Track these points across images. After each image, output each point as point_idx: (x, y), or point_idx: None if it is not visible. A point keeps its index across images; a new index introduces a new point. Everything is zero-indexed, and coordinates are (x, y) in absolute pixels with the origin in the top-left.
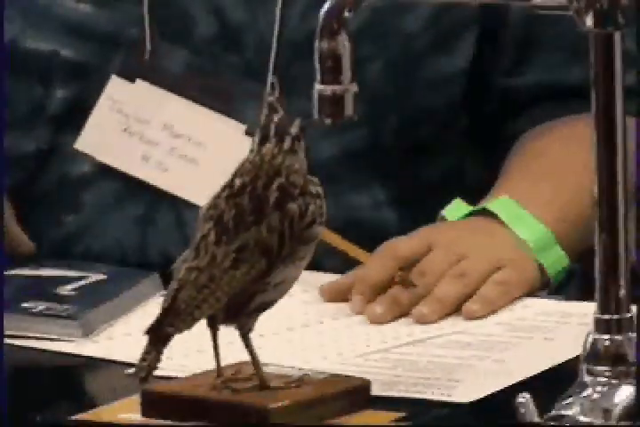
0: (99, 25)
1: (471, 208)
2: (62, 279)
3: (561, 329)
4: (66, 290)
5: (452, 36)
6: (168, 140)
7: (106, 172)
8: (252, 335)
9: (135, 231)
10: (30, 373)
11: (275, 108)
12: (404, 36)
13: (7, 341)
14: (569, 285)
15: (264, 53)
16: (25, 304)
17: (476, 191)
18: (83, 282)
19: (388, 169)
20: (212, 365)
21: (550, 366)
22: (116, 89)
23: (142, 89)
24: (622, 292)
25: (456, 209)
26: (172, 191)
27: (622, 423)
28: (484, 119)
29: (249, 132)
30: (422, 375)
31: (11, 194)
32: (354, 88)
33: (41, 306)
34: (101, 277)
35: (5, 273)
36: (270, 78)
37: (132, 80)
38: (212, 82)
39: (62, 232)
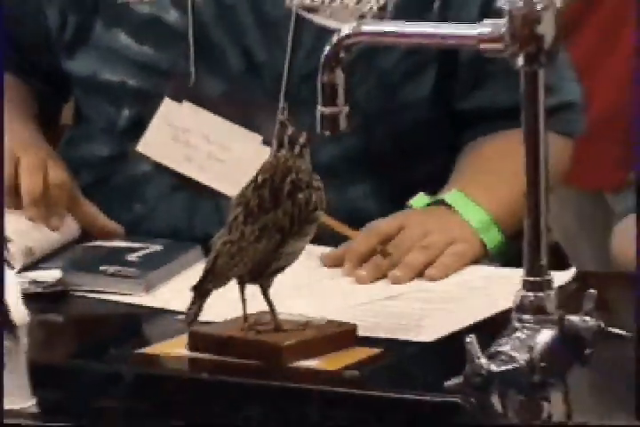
0: (156, 61)
1: (431, 199)
2: (130, 249)
3: (498, 288)
4: (132, 257)
5: (417, 71)
6: (206, 147)
7: (161, 170)
8: (270, 291)
9: (184, 215)
10: (105, 319)
11: (286, 124)
12: (381, 70)
13: (89, 295)
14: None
15: (279, 83)
16: (102, 267)
17: (438, 185)
18: (145, 251)
19: (374, 169)
20: (240, 313)
21: (490, 315)
22: (168, 108)
23: (187, 108)
24: (543, 260)
25: (420, 200)
26: (211, 185)
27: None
28: (448, 132)
29: (265, 142)
30: (396, 322)
31: (89, 189)
32: (346, 109)
33: (113, 269)
34: (159, 248)
35: (88, 244)
36: (282, 102)
37: (179, 101)
38: (239, 104)
39: (130, 217)
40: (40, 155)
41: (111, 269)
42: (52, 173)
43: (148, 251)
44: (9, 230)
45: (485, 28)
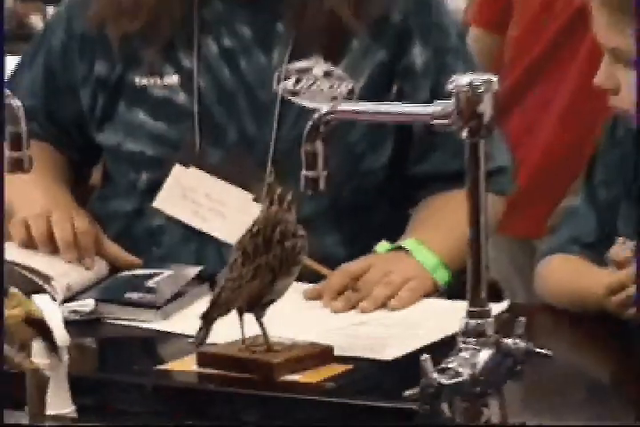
0: (168, 134)
1: (392, 246)
2: (147, 276)
3: (446, 317)
4: (151, 283)
5: (378, 143)
6: (208, 204)
7: (173, 222)
8: (263, 319)
9: (193, 258)
10: (130, 341)
11: (273, 185)
12: (349, 142)
13: (116, 322)
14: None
15: (267, 152)
16: (127, 295)
17: (395, 233)
18: (160, 277)
19: (344, 222)
20: (239, 336)
21: (440, 338)
22: (178, 173)
23: (193, 172)
24: (483, 294)
25: (383, 246)
26: (213, 234)
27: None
28: (403, 190)
29: (255, 199)
30: (364, 343)
31: (116, 237)
32: (325, 173)
33: (137, 296)
34: (170, 272)
35: (115, 275)
36: (269, 168)
37: (187, 167)
38: (234, 169)
39: (150, 259)
40: (68, 210)
41: (134, 296)
42: (79, 223)
43: (162, 276)
44: (52, 272)
45: (437, 107)
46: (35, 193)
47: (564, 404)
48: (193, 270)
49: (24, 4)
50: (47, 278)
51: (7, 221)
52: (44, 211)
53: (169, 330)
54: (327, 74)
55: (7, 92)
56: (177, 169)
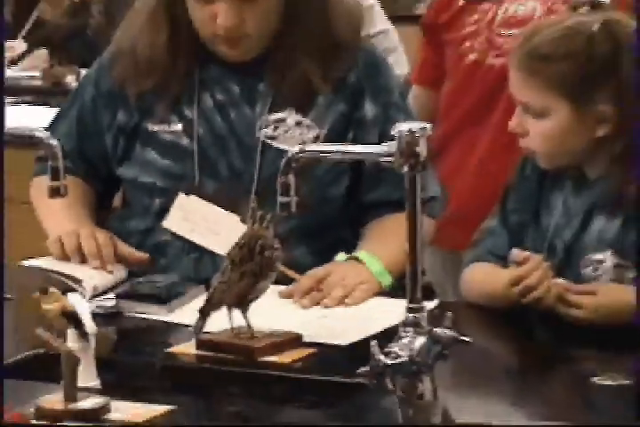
0: (174, 170)
1: (348, 256)
2: (157, 281)
3: (390, 311)
4: (160, 285)
5: (338, 177)
6: (205, 224)
7: (177, 238)
8: (248, 313)
9: (192, 266)
10: (143, 330)
11: (256, 210)
12: (316, 177)
13: (133, 315)
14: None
15: (251, 183)
16: (140, 294)
17: (350, 246)
18: (167, 281)
19: (310, 238)
20: (228, 326)
21: (385, 328)
22: (181, 200)
23: (194, 200)
24: (419, 294)
25: (341, 256)
26: (208, 247)
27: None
28: (357, 213)
29: (242, 221)
30: (326, 331)
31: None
32: (296, 199)
33: (148, 295)
34: (176, 277)
35: (133, 280)
36: (253, 195)
37: (188, 195)
38: (225, 197)
39: (158, 267)
40: (92, 228)
41: (147, 295)
42: (101, 238)
43: (169, 281)
44: (81, 276)
45: (383, 148)
46: (66, 217)
47: (482, 380)
48: (197, 287)
49: (61, 67)
50: (78, 281)
51: (41, 239)
52: (74, 230)
53: (174, 321)
54: (298, 123)
55: (48, 134)
56: (181, 197)
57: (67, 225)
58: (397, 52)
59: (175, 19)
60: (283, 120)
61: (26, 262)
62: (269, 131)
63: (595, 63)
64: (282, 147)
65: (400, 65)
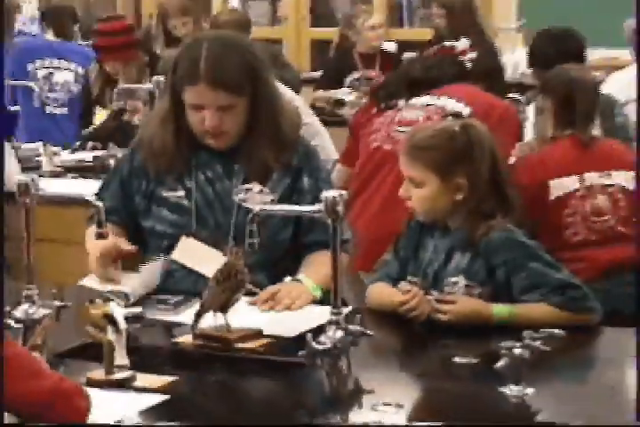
0: (178, 221)
1: (292, 278)
2: (169, 299)
3: (321, 314)
4: (171, 301)
5: (285, 226)
6: (198, 257)
7: (182, 266)
8: (227, 315)
9: (192, 284)
10: (156, 327)
11: (232, 248)
12: (271, 226)
13: (151, 317)
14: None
15: (229, 230)
16: (158, 306)
17: (294, 271)
18: (175, 299)
19: (267, 266)
20: (214, 324)
21: (318, 325)
22: (184, 241)
23: (191, 241)
24: (339, 303)
25: (287, 279)
26: (201, 271)
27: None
28: (299, 249)
29: (223, 255)
30: (279, 327)
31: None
32: (258, 240)
33: (163, 307)
34: (181, 297)
35: (153, 296)
36: (231, 238)
37: (188, 237)
38: (212, 239)
39: (169, 286)
40: (103, 242)
41: (162, 307)
42: (104, 248)
43: (177, 299)
44: (116, 289)
45: (315, 207)
46: (103, 245)
47: (380, 359)
48: (194, 299)
49: (106, 152)
50: (115, 293)
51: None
52: (108, 251)
53: (178, 321)
54: (260, 191)
55: (95, 198)
56: (182, 239)
57: (102, 248)
58: (319, 135)
59: (178, 120)
60: (250, 189)
61: (80, 282)
62: (241, 196)
63: (455, 152)
64: (249, 206)
65: (322, 147)
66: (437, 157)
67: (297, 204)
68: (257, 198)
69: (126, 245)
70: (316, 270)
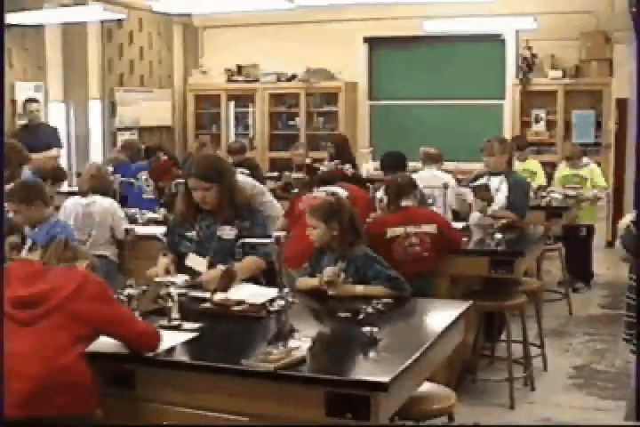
0: (191, 248)
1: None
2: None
3: (272, 292)
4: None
5: (240, 246)
6: (199, 263)
7: (187, 269)
8: (228, 293)
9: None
10: (191, 299)
11: (211, 260)
12: (234, 246)
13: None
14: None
15: (211, 251)
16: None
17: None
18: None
19: (230, 263)
20: (221, 297)
21: (271, 297)
22: (191, 256)
23: (195, 256)
24: (282, 286)
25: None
26: (197, 269)
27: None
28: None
29: (209, 261)
30: (252, 298)
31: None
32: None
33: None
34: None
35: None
36: (211, 254)
37: (193, 254)
38: (204, 255)
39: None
40: (164, 260)
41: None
42: (162, 264)
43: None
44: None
45: (268, 240)
46: (164, 260)
47: (302, 315)
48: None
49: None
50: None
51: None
52: (163, 266)
53: (203, 296)
54: (231, 230)
55: (163, 237)
56: (190, 255)
57: (161, 266)
58: (272, 204)
59: (189, 196)
60: (224, 229)
61: (156, 279)
62: (221, 233)
63: (332, 211)
64: (225, 237)
65: (274, 208)
66: (323, 213)
67: (246, 236)
68: (228, 235)
69: (171, 267)
70: (241, 265)
